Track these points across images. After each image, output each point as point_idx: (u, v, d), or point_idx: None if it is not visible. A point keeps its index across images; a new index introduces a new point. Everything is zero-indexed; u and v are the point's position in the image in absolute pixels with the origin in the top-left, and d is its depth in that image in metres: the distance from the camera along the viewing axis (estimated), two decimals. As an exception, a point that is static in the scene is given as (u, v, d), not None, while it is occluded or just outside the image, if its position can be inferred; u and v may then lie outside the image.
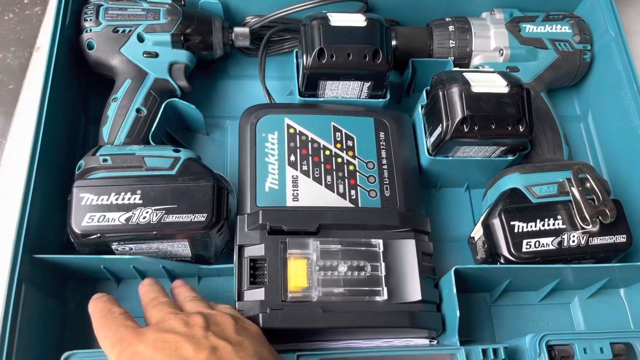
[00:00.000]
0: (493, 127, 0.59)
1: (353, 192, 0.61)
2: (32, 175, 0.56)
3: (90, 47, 0.67)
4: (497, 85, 0.60)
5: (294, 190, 0.59)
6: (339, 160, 0.62)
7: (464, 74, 0.62)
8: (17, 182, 0.63)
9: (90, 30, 0.67)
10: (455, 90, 0.60)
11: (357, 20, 0.63)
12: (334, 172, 0.61)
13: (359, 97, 0.67)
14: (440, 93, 0.61)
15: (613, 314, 0.68)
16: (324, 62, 0.61)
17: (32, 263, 0.55)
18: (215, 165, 0.71)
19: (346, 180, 0.61)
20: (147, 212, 0.55)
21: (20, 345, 0.52)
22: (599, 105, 0.76)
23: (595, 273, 0.62)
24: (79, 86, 0.71)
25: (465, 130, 0.59)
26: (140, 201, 0.55)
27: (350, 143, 0.63)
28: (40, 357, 0.55)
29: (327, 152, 0.62)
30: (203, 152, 0.72)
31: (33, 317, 0.55)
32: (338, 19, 0.63)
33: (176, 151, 0.59)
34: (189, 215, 0.55)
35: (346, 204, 0.60)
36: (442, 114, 0.60)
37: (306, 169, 0.61)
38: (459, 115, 0.59)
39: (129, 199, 0.55)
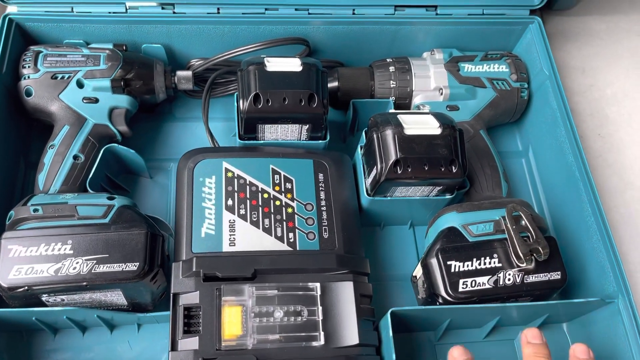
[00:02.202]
0: (426, 168, 0.60)
1: (291, 234, 0.61)
2: (-40, 226, 0.55)
3: (29, 94, 0.66)
4: (430, 126, 0.62)
5: (230, 235, 0.59)
6: (277, 202, 0.62)
7: (399, 116, 0.63)
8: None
9: (29, 77, 0.67)
10: (388, 133, 0.61)
11: (293, 65, 0.64)
12: (272, 215, 0.61)
13: (299, 139, 0.68)
14: (375, 135, 0.62)
15: (556, 348, 0.66)
16: (260, 106, 0.62)
17: (-42, 318, 0.54)
18: (158, 208, 0.71)
19: (284, 223, 0.61)
20: (77, 263, 0.54)
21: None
22: (538, 142, 0.78)
23: (534, 310, 0.62)
24: (19, 132, 0.70)
25: (399, 172, 0.60)
26: (71, 251, 0.54)
27: (289, 185, 0.63)
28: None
29: (266, 195, 0.62)
30: (146, 195, 0.72)
31: (-41, 373, 0.53)
32: (274, 64, 0.64)
33: (110, 199, 0.59)
34: (121, 264, 0.54)
35: (284, 247, 0.60)
36: (377, 156, 0.61)
37: (244, 212, 0.61)
38: (392, 158, 0.60)
39: (59, 249, 0.54)
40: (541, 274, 0.60)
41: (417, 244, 0.73)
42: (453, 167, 0.61)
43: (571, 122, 0.70)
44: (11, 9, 0.70)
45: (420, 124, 0.62)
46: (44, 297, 0.55)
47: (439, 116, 0.63)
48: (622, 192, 0.81)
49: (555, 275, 0.61)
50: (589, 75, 0.91)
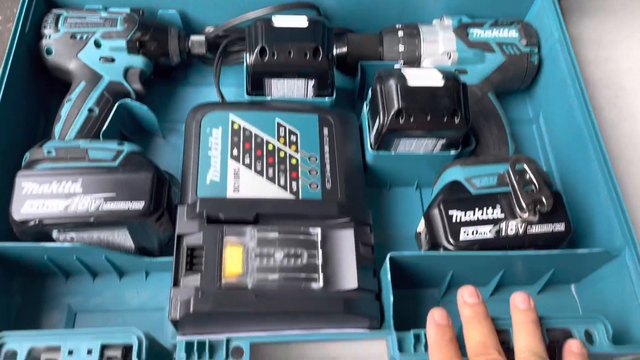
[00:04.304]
0: (428, 118, 0.61)
1: (294, 184, 0.62)
2: (-21, 167, 0.59)
3: (49, 53, 0.70)
4: (433, 79, 0.62)
5: (234, 182, 0.61)
6: (282, 154, 0.63)
7: (403, 69, 0.64)
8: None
9: (50, 36, 0.70)
10: (391, 84, 0.62)
11: (300, 21, 0.66)
12: (276, 165, 0.63)
13: (306, 96, 0.69)
14: (378, 87, 0.63)
15: (564, 309, 0.67)
16: (266, 60, 0.64)
17: (-26, 251, 0.56)
18: (170, 167, 0.73)
19: (288, 172, 0.62)
20: (85, 200, 0.56)
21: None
22: (548, 107, 0.77)
23: (538, 263, 0.62)
24: (40, 91, 0.73)
25: (401, 122, 0.61)
26: (80, 190, 0.56)
27: (293, 138, 0.65)
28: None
29: (270, 147, 0.64)
30: (159, 154, 0.74)
31: (-26, 306, 0.56)
32: (281, 21, 0.66)
33: (120, 144, 0.61)
34: (127, 202, 0.56)
35: (287, 195, 0.61)
36: (380, 107, 0.62)
37: (248, 162, 0.62)
38: (394, 107, 0.61)
39: (69, 188, 0.56)
40: (545, 225, 0.60)
41: (423, 205, 0.73)
42: (455, 118, 0.61)
43: (580, 83, 0.70)
44: (36, -25, 0.73)
45: (424, 77, 0.62)
46: (54, 234, 0.57)
47: (443, 70, 0.64)
48: (638, 161, 0.79)
49: (559, 227, 0.60)
50: (605, 48, 0.90)
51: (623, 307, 0.61)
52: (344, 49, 0.76)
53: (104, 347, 0.50)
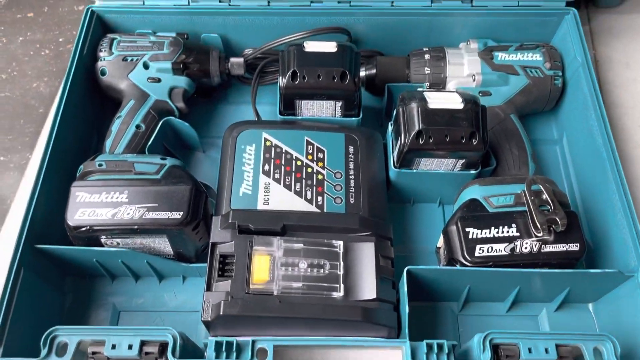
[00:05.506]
0: (447, 139, 0.64)
1: (320, 198, 0.66)
2: (41, 174, 0.66)
3: (103, 74, 0.77)
4: (454, 102, 0.66)
5: (265, 195, 0.66)
6: (309, 170, 0.68)
7: (425, 92, 0.67)
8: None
9: (104, 59, 0.77)
10: (413, 106, 0.65)
11: (329, 46, 0.70)
12: (304, 180, 0.67)
13: (334, 116, 0.74)
14: (401, 109, 0.67)
15: (581, 327, 0.69)
16: (296, 83, 0.69)
17: (33, 252, 0.63)
18: (209, 178, 0.79)
19: (314, 187, 0.67)
20: (131, 209, 0.62)
21: (16, 323, 0.59)
22: (571, 128, 0.79)
23: (551, 281, 0.64)
24: (93, 109, 0.81)
25: (421, 142, 0.65)
26: (127, 200, 0.63)
27: (320, 155, 0.69)
28: (34, 338, 0.62)
29: (299, 163, 0.68)
30: (198, 167, 0.80)
31: (32, 301, 0.63)
32: (312, 46, 0.71)
33: (163, 159, 0.67)
34: (167, 212, 0.62)
35: (312, 208, 0.65)
36: (402, 127, 0.66)
37: (278, 177, 0.67)
38: (415, 129, 0.64)
39: (117, 197, 0.63)
40: (559, 245, 0.62)
41: (445, 221, 0.76)
42: (473, 140, 0.65)
43: (600, 105, 0.72)
44: (94, 1, 0.81)
45: (444, 100, 0.66)
46: (103, 239, 0.64)
47: (463, 94, 0.67)
48: (663, 183, 0.80)
49: (574, 247, 0.62)
50: (634, 69, 0.91)
51: (636, 328, 0.62)
52: (373, 71, 0.80)
53: (143, 343, 0.56)
